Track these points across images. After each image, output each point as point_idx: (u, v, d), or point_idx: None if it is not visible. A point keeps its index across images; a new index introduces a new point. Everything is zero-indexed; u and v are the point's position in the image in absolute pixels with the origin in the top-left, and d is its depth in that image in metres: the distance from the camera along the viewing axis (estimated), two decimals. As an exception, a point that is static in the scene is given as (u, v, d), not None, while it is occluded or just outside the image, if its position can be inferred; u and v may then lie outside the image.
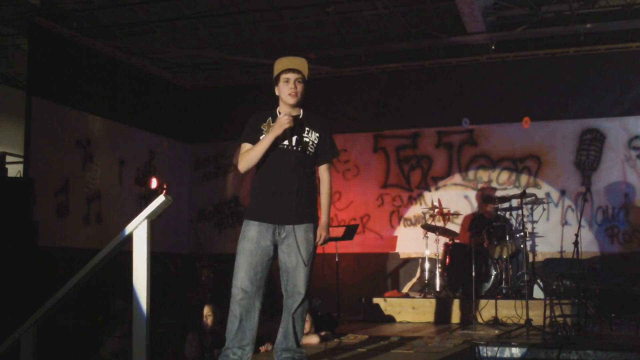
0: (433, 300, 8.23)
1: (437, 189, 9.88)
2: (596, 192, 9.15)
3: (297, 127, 4.23)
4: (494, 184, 9.64)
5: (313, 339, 5.87)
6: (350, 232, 8.69)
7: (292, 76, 4.26)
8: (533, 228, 8.77)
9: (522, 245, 8.10)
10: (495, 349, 5.85)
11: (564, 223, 9.26)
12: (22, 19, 9.31)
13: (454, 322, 7.89)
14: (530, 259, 8.30)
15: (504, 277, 8.18)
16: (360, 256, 9.95)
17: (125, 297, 5.99)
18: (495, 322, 7.56)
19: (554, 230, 9.22)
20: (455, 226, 9.48)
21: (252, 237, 4.25)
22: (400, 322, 8.14)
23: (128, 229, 3.61)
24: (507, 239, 8.25)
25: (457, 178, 9.84)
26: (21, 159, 8.19)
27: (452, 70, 10.02)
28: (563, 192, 9.36)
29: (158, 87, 10.39)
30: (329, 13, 9.56)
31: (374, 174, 10.17)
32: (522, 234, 7.87)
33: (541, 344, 6.00)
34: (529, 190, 8.49)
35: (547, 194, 9.38)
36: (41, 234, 6.92)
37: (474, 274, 7.49)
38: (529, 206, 8.77)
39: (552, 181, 9.42)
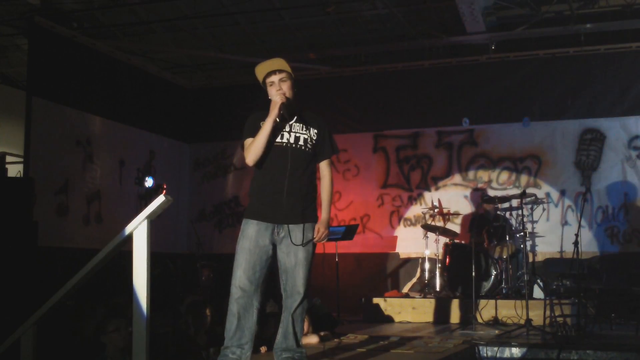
0: (433, 300, 8.23)
1: (437, 189, 9.88)
2: (596, 192, 9.15)
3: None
4: (494, 184, 9.64)
5: (312, 339, 5.87)
6: (350, 232, 8.69)
7: (275, 78, 4.32)
8: (533, 228, 8.78)
9: (522, 245, 8.11)
10: (495, 349, 5.85)
11: (564, 223, 9.26)
12: (22, 19, 9.32)
13: (454, 322, 7.89)
14: (530, 259, 8.31)
15: (504, 277, 8.18)
16: (360, 256, 9.95)
17: (125, 295, 6.00)
18: (495, 322, 7.57)
19: (554, 230, 9.22)
20: (455, 226, 9.48)
21: (251, 236, 4.25)
22: (400, 322, 8.15)
23: (128, 229, 3.61)
24: (507, 239, 8.25)
25: (457, 178, 9.84)
26: (21, 159, 8.19)
27: (452, 70, 10.02)
28: (563, 192, 9.36)
29: (158, 87, 10.39)
30: (329, 13, 9.57)
31: (374, 174, 10.17)
32: (522, 234, 7.87)
33: (541, 344, 6.00)
34: (529, 190, 8.50)
35: (547, 194, 9.38)
36: (41, 234, 6.90)
37: (474, 274, 7.49)
38: (529, 206, 8.77)
39: (552, 181, 9.42)
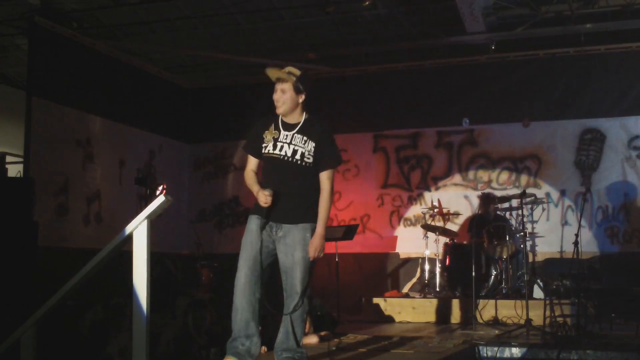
0: (433, 300, 8.23)
1: (437, 189, 9.88)
2: (596, 192, 9.15)
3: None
4: (494, 184, 9.64)
5: (312, 339, 5.88)
6: (350, 232, 8.69)
7: (277, 87, 4.39)
8: (533, 228, 8.78)
9: (522, 245, 8.10)
10: (495, 349, 5.85)
11: (564, 223, 9.26)
12: (22, 19, 9.31)
13: (454, 322, 7.90)
14: (530, 259, 8.31)
15: (504, 277, 8.18)
16: (360, 256, 9.94)
17: (124, 295, 6.00)
18: (495, 322, 7.57)
19: (554, 230, 9.22)
20: (455, 226, 9.48)
21: (252, 230, 4.35)
22: (400, 322, 8.15)
23: (128, 229, 3.61)
24: (507, 239, 8.25)
25: (457, 178, 9.84)
26: (21, 159, 8.19)
27: (452, 70, 10.02)
28: (563, 192, 9.36)
29: (158, 87, 10.38)
30: (329, 13, 9.56)
31: (374, 174, 10.17)
32: (522, 234, 7.87)
33: (541, 344, 6.00)
34: (529, 190, 8.50)
35: (547, 194, 9.38)
36: (41, 234, 6.91)
37: (474, 274, 7.50)
38: (529, 206, 8.77)
39: (552, 181, 9.42)
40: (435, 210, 9.21)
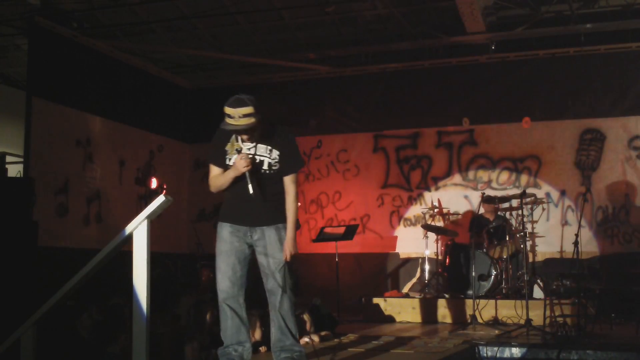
0: (433, 300, 8.23)
1: (437, 189, 9.88)
2: (596, 192, 9.15)
3: (255, 167, 4.26)
4: (494, 184, 9.64)
5: (313, 339, 5.87)
6: (350, 232, 8.69)
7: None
8: (533, 228, 8.77)
9: (522, 245, 8.10)
10: (495, 349, 5.85)
11: (564, 223, 9.26)
12: (22, 19, 9.32)
13: (453, 322, 7.89)
14: (530, 259, 8.31)
15: (504, 277, 8.17)
16: (360, 256, 9.95)
17: (122, 295, 6.00)
18: (495, 322, 7.56)
19: (554, 230, 9.22)
20: (455, 226, 9.48)
21: (226, 238, 4.37)
22: (400, 322, 8.14)
23: (128, 229, 3.61)
24: (507, 239, 8.25)
25: (457, 178, 9.84)
26: (21, 159, 8.19)
27: (452, 70, 10.02)
28: (563, 192, 9.36)
29: (158, 87, 10.39)
30: (329, 13, 9.56)
31: (374, 174, 10.17)
32: (522, 234, 7.87)
33: (541, 344, 6.00)
34: (529, 190, 8.49)
35: (547, 194, 9.38)
36: (41, 234, 6.91)
37: (474, 274, 7.50)
38: (529, 206, 8.76)
39: (552, 181, 9.42)
40: (435, 210, 9.21)
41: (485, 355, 5.87)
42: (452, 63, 10.06)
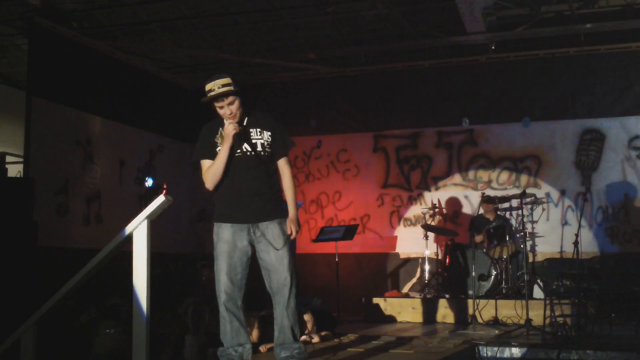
0: (433, 300, 8.23)
1: (437, 189, 9.88)
2: (596, 192, 9.15)
3: (243, 129, 4.31)
4: (494, 184, 9.64)
5: (314, 339, 5.87)
6: (350, 232, 8.69)
7: (223, 104, 4.35)
8: (533, 228, 8.76)
9: (522, 245, 8.10)
10: (495, 349, 5.85)
11: (564, 223, 9.26)
12: (22, 19, 9.32)
13: (454, 322, 7.89)
14: (530, 259, 8.30)
15: (504, 277, 8.18)
16: (360, 256, 9.95)
17: (120, 295, 6.00)
18: (495, 322, 7.56)
19: (554, 230, 9.22)
20: (455, 226, 9.48)
21: (227, 239, 4.36)
22: (400, 322, 8.15)
23: (128, 229, 3.61)
24: (507, 239, 8.25)
25: (457, 178, 9.84)
26: (21, 159, 8.19)
27: (452, 70, 10.02)
28: (563, 192, 9.36)
29: (158, 87, 10.38)
30: (329, 13, 9.57)
31: (374, 174, 10.17)
32: (522, 234, 7.87)
33: (541, 344, 6.00)
34: (529, 190, 8.49)
35: (547, 194, 9.38)
36: (41, 234, 6.91)
37: (474, 274, 7.50)
38: (529, 206, 8.76)
39: (552, 181, 9.42)
40: (435, 210, 9.21)
41: (485, 355, 5.87)
42: (452, 63, 10.06)
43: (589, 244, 8.97)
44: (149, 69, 10.28)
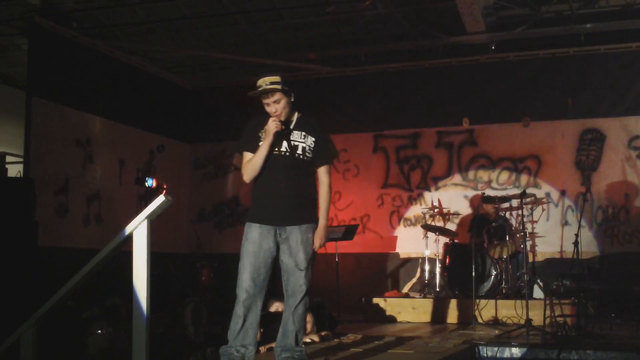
0: (433, 300, 8.23)
1: (437, 189, 9.88)
2: (596, 192, 9.15)
3: (286, 130, 4.33)
4: (494, 184, 9.64)
5: (314, 339, 5.87)
6: (350, 232, 8.69)
7: (268, 101, 4.36)
8: (533, 228, 8.77)
9: (522, 245, 8.10)
10: (495, 349, 5.85)
11: (564, 223, 9.26)
12: (22, 19, 9.32)
13: (454, 322, 7.89)
14: (530, 259, 8.31)
15: (504, 277, 8.18)
16: (360, 256, 9.94)
17: (118, 295, 6.00)
18: (495, 322, 7.57)
19: (554, 230, 9.22)
20: (455, 226, 9.48)
21: (255, 240, 4.33)
22: (400, 322, 8.15)
23: (128, 229, 3.61)
24: (507, 239, 8.25)
25: (457, 178, 9.84)
26: (21, 159, 8.19)
27: (452, 70, 10.01)
28: (563, 192, 9.35)
29: (158, 87, 10.38)
30: (329, 13, 9.56)
31: (374, 174, 10.16)
32: (522, 234, 7.87)
33: (541, 344, 6.00)
34: (529, 190, 8.49)
35: (547, 194, 9.37)
36: (41, 234, 6.91)
37: (474, 274, 7.50)
38: (529, 206, 8.77)
39: (552, 181, 9.42)
40: (435, 210, 9.21)
41: (485, 355, 5.87)
42: (452, 63, 10.06)
43: (589, 244, 8.96)
44: (149, 69, 10.28)
